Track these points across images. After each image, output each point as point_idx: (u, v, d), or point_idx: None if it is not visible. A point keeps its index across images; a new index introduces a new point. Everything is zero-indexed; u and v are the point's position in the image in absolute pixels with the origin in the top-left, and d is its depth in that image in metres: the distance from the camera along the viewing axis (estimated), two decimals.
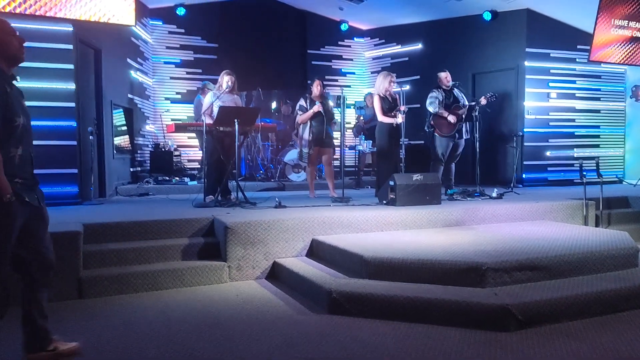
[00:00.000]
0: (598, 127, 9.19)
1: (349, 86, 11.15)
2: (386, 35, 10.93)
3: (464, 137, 6.94)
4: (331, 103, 7.10)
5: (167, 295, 4.04)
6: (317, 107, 6.58)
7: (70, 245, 4.01)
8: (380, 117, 6.59)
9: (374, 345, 2.99)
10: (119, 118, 7.99)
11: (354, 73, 11.37)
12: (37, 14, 5.76)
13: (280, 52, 10.76)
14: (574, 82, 8.91)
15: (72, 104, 6.12)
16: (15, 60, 2.66)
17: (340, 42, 11.21)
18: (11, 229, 2.53)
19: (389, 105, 6.58)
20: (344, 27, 10.99)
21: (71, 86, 6.11)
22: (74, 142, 6.15)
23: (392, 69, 10.39)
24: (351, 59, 11.34)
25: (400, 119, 6.45)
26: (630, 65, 8.48)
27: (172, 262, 4.42)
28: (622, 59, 7.83)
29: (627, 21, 7.44)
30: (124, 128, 8.27)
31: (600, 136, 9.23)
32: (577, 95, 8.97)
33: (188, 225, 4.75)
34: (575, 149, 8.97)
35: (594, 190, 6.12)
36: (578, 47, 8.68)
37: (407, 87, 9.66)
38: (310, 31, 11.01)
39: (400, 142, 6.55)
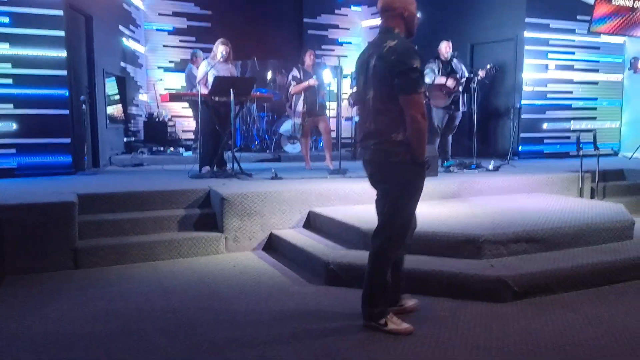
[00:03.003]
0: (596, 99, 9.14)
1: (346, 56, 10.95)
2: None
3: (461, 109, 6.85)
4: (325, 73, 7.01)
5: (163, 266, 4.04)
6: (314, 81, 6.49)
7: (65, 215, 3.98)
8: None
9: None
10: (111, 87, 7.86)
11: (350, 43, 11.19)
12: None
13: (276, 21, 10.55)
14: (572, 53, 8.81)
15: (64, 72, 6.00)
16: (412, 35, 2.77)
17: (337, 11, 11.01)
18: (421, 190, 2.77)
19: None
20: None
21: (62, 54, 5.98)
22: (67, 111, 6.06)
23: None
24: (348, 29, 11.15)
25: None
26: (630, 36, 8.38)
27: (169, 233, 4.41)
28: (622, 29, 7.72)
29: None
30: (117, 97, 8.15)
31: (598, 108, 9.19)
32: (575, 67, 8.88)
33: (184, 196, 4.72)
34: (572, 122, 8.94)
35: (590, 163, 6.11)
36: (578, 17, 8.55)
37: None
38: None
39: None
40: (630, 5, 7.33)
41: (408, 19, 2.67)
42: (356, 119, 9.18)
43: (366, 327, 2.79)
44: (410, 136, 2.57)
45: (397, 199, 2.69)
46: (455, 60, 6.84)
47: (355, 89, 9.66)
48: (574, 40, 8.75)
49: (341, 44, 11.11)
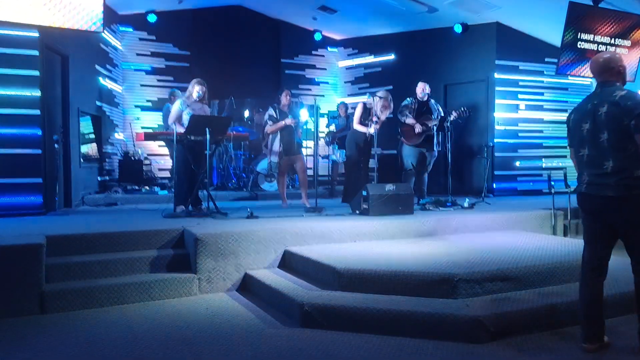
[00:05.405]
0: (565, 138, 9.37)
1: (323, 95, 11.16)
2: (359, 45, 10.99)
3: (435, 149, 6.94)
4: (302, 112, 7.09)
5: (133, 310, 3.92)
6: (290, 121, 6.55)
7: (33, 258, 3.86)
8: (356, 125, 6.61)
9: (347, 359, 2.94)
10: (86, 126, 7.80)
11: (327, 82, 11.39)
12: (1, 19, 5.58)
13: (254, 61, 10.71)
14: (542, 94, 9.10)
15: (37, 112, 5.95)
16: (624, 83, 3.10)
17: (313, 52, 11.23)
18: None
19: (367, 118, 6.63)
20: (317, 36, 11.01)
21: (36, 93, 5.94)
22: (39, 151, 5.98)
23: (366, 79, 10.49)
24: (325, 69, 11.36)
25: (372, 129, 6.48)
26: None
27: (140, 275, 4.30)
28: (588, 72, 8.01)
29: (592, 35, 7.64)
30: (92, 136, 8.08)
31: (567, 147, 9.42)
32: (545, 107, 9.16)
33: (157, 237, 4.63)
34: (543, 159, 9.14)
35: (562, 200, 6.22)
36: (546, 60, 8.88)
37: None
38: (284, 40, 11.00)
39: (372, 152, 6.56)
40: (595, 49, 7.66)
41: (623, 72, 3.12)
42: (333, 157, 9.25)
43: None
44: None
45: None
46: (432, 100, 7.01)
47: (332, 127, 9.78)
48: (542, 82, 9.06)
49: (318, 83, 11.29)
